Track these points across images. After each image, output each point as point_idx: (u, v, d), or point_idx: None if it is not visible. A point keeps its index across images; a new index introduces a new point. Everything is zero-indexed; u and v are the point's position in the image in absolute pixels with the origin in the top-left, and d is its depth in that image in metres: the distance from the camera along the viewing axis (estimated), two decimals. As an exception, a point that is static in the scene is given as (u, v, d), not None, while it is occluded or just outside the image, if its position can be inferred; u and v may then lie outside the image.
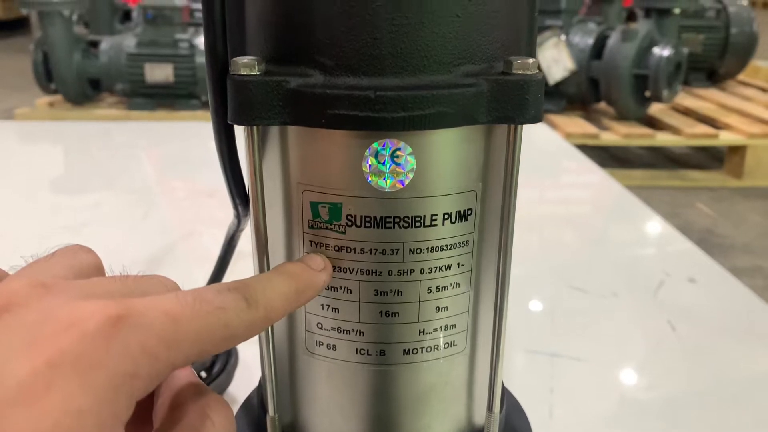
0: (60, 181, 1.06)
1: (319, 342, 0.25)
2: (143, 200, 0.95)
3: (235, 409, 0.35)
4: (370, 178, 0.22)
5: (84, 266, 0.21)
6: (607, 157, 2.40)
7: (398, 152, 0.22)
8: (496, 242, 0.25)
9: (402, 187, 0.22)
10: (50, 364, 0.15)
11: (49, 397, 0.15)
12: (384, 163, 0.22)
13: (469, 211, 0.24)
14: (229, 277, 0.37)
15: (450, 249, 0.24)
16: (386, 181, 0.22)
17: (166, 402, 0.21)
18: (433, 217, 0.23)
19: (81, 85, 2.05)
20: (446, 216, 0.23)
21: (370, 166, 0.22)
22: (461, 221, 0.24)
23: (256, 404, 0.33)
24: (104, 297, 0.18)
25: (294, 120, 0.22)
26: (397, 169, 0.22)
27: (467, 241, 0.24)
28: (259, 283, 0.21)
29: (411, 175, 0.22)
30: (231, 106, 0.22)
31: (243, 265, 0.36)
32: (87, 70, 2.04)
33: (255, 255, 0.25)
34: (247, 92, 0.21)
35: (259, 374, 0.36)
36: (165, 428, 0.20)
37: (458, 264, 0.24)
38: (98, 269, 0.22)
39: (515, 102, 0.22)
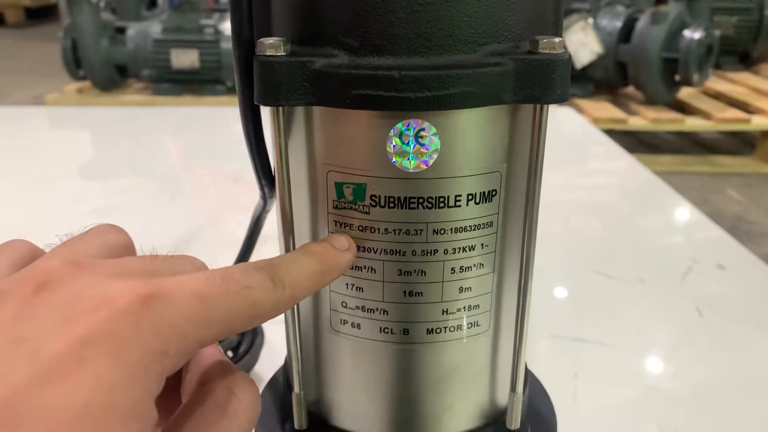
0: (88, 166, 1.08)
1: (344, 320, 0.26)
2: (169, 185, 0.96)
3: (261, 388, 0.36)
4: (394, 159, 0.22)
5: (115, 245, 0.22)
6: (635, 143, 2.36)
7: (422, 132, 0.22)
8: (521, 224, 0.25)
9: (426, 167, 0.23)
10: (84, 341, 0.16)
11: (82, 372, 0.16)
12: (408, 143, 0.22)
13: (494, 192, 0.24)
14: (254, 258, 0.38)
15: (474, 230, 0.24)
16: (410, 162, 0.22)
17: (194, 378, 0.22)
18: (457, 198, 0.23)
19: (108, 71, 2.08)
20: (470, 197, 0.23)
21: (394, 146, 0.22)
22: (485, 202, 0.24)
23: (281, 383, 0.33)
24: (135, 276, 0.18)
25: (319, 100, 0.22)
26: (421, 150, 0.22)
27: (491, 222, 0.24)
28: (285, 262, 0.22)
29: (435, 156, 0.22)
30: (257, 86, 0.22)
31: (268, 248, 0.36)
32: (114, 57, 2.07)
33: (281, 235, 0.25)
34: (273, 73, 0.22)
35: (284, 354, 0.36)
36: (193, 404, 0.20)
37: (482, 245, 0.25)
38: (129, 249, 0.23)
39: (541, 82, 0.22)
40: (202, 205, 0.90)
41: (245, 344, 0.48)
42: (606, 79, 2.33)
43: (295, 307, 0.26)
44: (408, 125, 0.22)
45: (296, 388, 0.27)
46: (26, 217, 0.83)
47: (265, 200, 0.30)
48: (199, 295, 0.18)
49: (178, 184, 0.98)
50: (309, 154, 0.24)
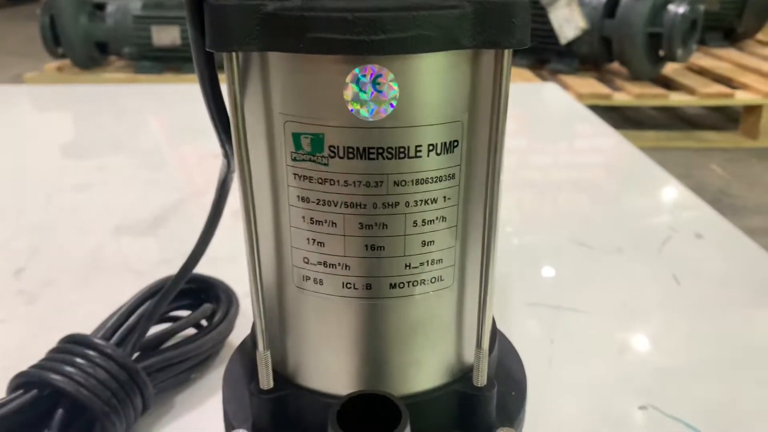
0: (69, 145, 1.06)
1: (306, 277, 0.25)
2: (151, 162, 0.95)
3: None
4: (351, 107, 0.22)
5: None
6: (620, 119, 2.37)
7: (380, 79, 0.21)
8: (484, 176, 0.25)
9: (384, 116, 0.22)
10: None
11: None
12: (365, 90, 0.22)
13: (455, 143, 0.23)
14: (222, 231, 0.37)
15: (436, 182, 0.24)
16: (368, 110, 0.22)
17: None
18: (418, 148, 0.23)
19: (88, 48, 2.04)
20: (431, 147, 0.23)
21: (351, 94, 0.22)
22: (447, 153, 0.23)
23: (249, 346, 0.33)
24: None
25: (272, 45, 0.21)
26: (380, 97, 0.22)
27: (453, 174, 0.24)
28: None
29: (394, 104, 0.22)
30: (209, 33, 0.22)
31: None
32: (94, 34, 2.03)
33: (240, 190, 0.25)
34: (224, 17, 0.21)
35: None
36: None
37: (444, 197, 0.24)
38: None
39: (501, 25, 0.21)
40: (184, 182, 0.89)
41: (220, 313, 0.47)
42: (591, 55, 2.32)
43: (257, 264, 0.25)
44: (365, 71, 0.21)
45: (260, 347, 0.27)
46: (5, 193, 0.82)
47: (229, 160, 0.29)
48: None
49: (160, 161, 0.97)
50: (265, 104, 0.23)
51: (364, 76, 0.21)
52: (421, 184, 0.23)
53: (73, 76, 2.09)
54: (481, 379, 0.28)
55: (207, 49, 0.22)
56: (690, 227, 0.73)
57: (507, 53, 0.22)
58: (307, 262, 0.25)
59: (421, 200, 0.24)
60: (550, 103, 1.32)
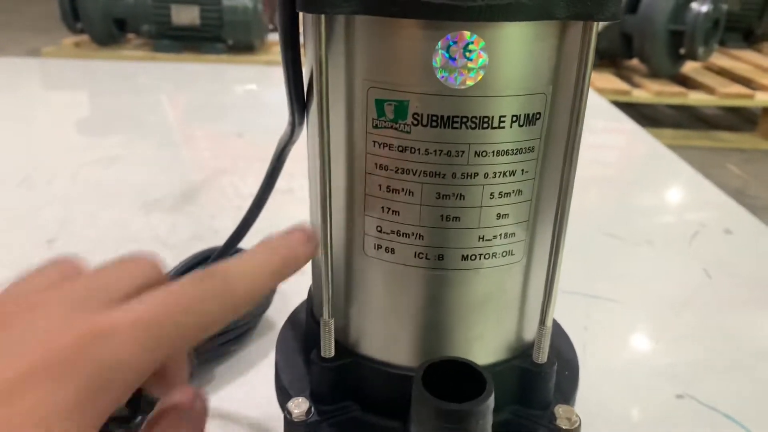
0: (87, 120, 1.06)
1: (378, 245, 0.25)
2: (172, 140, 0.95)
3: (274, 336, 0.35)
4: (440, 74, 0.22)
5: (69, 274, 0.22)
6: (637, 116, 2.34)
7: (471, 46, 0.21)
8: (562, 151, 0.24)
9: (472, 84, 0.22)
10: (23, 377, 0.17)
11: (24, 400, 0.17)
12: (456, 57, 0.21)
13: (538, 115, 0.23)
14: (276, 198, 0.37)
15: (516, 154, 0.24)
16: (456, 78, 0.22)
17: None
18: (501, 119, 0.23)
19: (107, 25, 2.03)
20: (515, 118, 0.23)
21: (441, 60, 0.22)
22: (529, 125, 0.23)
23: (302, 317, 0.33)
24: (83, 309, 0.19)
25: (365, 8, 0.21)
26: (469, 65, 0.22)
27: (533, 147, 0.24)
28: (239, 265, 0.22)
29: (482, 72, 0.22)
30: (301, -7, 0.22)
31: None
32: (113, 10, 2.02)
33: (316, 157, 0.25)
34: (319, -23, 0.21)
35: (295, 300, 0.36)
36: None
37: (522, 170, 0.24)
38: (78, 270, 0.22)
39: (595, -3, 0.21)
40: (206, 161, 0.89)
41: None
42: (610, 51, 2.30)
43: (328, 231, 0.25)
44: (456, 38, 0.21)
45: (325, 315, 0.27)
46: (30, 165, 0.82)
47: (293, 128, 0.29)
48: (144, 323, 0.19)
49: (180, 138, 0.97)
50: (348, 69, 0.23)
51: (456, 42, 0.21)
52: (502, 155, 0.23)
53: (91, 52, 2.09)
54: (542, 356, 0.28)
55: (297, 10, 0.22)
56: (718, 222, 0.73)
57: (595, 26, 0.22)
58: (380, 231, 0.25)
59: (500, 172, 0.24)
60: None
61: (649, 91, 2.14)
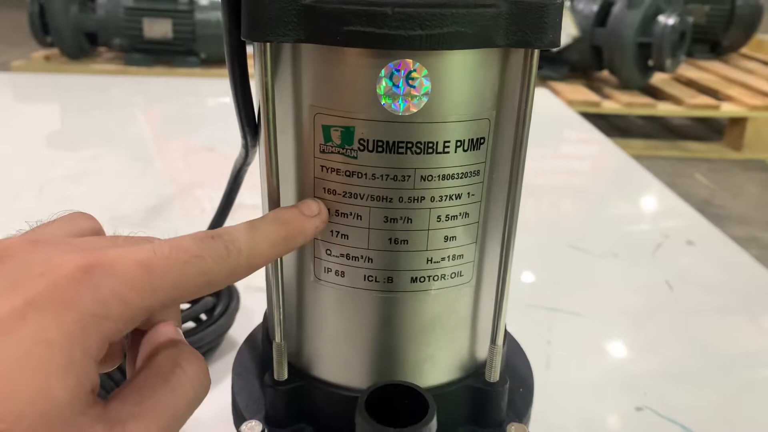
0: (57, 135, 1.05)
1: (328, 269, 0.25)
2: (142, 154, 0.94)
3: (236, 351, 0.35)
4: (383, 101, 0.22)
5: (84, 229, 0.23)
6: (607, 127, 2.39)
7: (413, 74, 0.22)
8: (507, 174, 0.25)
9: (415, 111, 0.22)
10: (27, 303, 0.17)
11: (23, 329, 0.17)
12: (399, 85, 0.22)
13: (482, 140, 0.24)
14: (243, 213, 0.37)
15: (461, 178, 0.24)
16: (400, 105, 0.22)
17: (145, 354, 0.22)
18: (446, 144, 0.23)
19: (78, 38, 2.01)
20: (459, 143, 0.23)
21: (384, 88, 0.22)
22: (474, 149, 0.24)
23: (259, 339, 0.33)
24: (87, 251, 0.19)
25: (308, 37, 0.21)
26: (412, 92, 0.22)
27: (478, 171, 0.24)
28: (244, 230, 0.22)
29: (425, 99, 0.22)
30: (245, 22, 0.22)
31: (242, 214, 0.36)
32: (84, 24, 2.00)
33: (264, 181, 0.25)
34: (262, 7, 0.21)
35: (258, 319, 0.36)
36: (137, 375, 0.21)
37: (468, 194, 0.24)
38: (96, 233, 0.23)
39: (534, 25, 0.22)
40: (176, 174, 0.88)
41: (220, 307, 0.47)
42: (581, 63, 2.34)
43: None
44: (399, 66, 0.22)
45: (277, 338, 0.27)
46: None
47: (247, 150, 0.29)
48: (144, 264, 0.19)
49: (152, 153, 0.96)
50: (296, 96, 0.23)
51: (398, 70, 0.22)
52: (447, 179, 0.24)
53: (61, 65, 2.06)
54: (494, 374, 0.28)
55: (242, 39, 0.22)
56: (681, 234, 0.74)
57: (536, 53, 0.23)
58: (329, 254, 0.25)
59: (447, 195, 0.24)
60: (542, 109, 1.33)
61: (620, 102, 2.18)
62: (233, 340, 0.49)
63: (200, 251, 0.20)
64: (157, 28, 1.95)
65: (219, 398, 0.31)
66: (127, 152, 0.95)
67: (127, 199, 0.75)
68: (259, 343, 0.33)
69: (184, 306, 0.46)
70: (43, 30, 2.02)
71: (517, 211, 0.25)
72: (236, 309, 0.49)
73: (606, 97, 2.24)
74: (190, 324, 0.46)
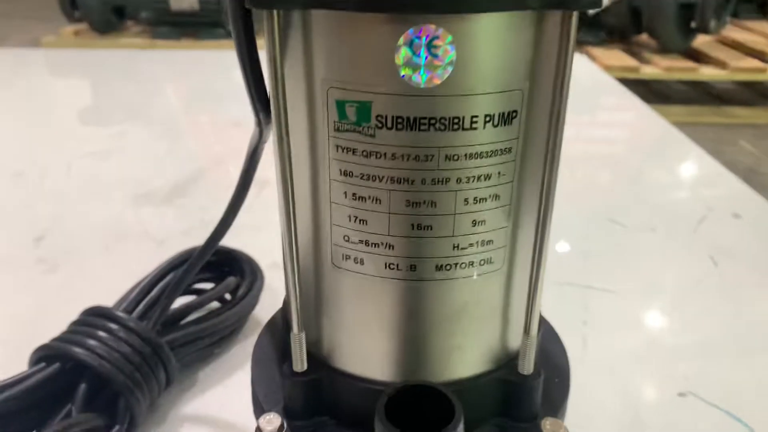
0: (87, 110, 1.05)
1: (346, 256, 0.24)
2: (170, 129, 0.93)
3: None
4: (403, 72, 0.20)
5: None
6: (647, 93, 2.30)
7: (436, 41, 0.19)
8: (542, 151, 0.23)
9: (439, 83, 0.20)
10: None
11: None
12: (419, 54, 0.20)
13: (514, 114, 0.21)
14: (251, 200, 0.36)
15: (491, 156, 0.22)
16: (421, 76, 0.20)
17: None
18: (474, 119, 0.21)
19: (106, 12, 2.02)
20: (488, 118, 0.21)
21: (403, 57, 0.20)
22: (504, 125, 0.21)
23: (280, 325, 0.32)
24: None
25: (319, 2, 0.19)
26: (434, 62, 0.20)
27: (510, 148, 0.22)
28: None
29: (450, 69, 0.20)
30: (248, -13, 0.20)
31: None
32: (112, -2, 2.00)
33: (277, 164, 0.23)
34: (266, -31, 0.19)
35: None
36: None
37: (499, 173, 0.22)
38: None
39: (572, -17, 0.19)
40: (202, 150, 0.87)
41: (244, 287, 0.46)
42: (619, 26, 2.25)
43: (294, 241, 0.24)
44: (420, 32, 0.19)
45: (295, 329, 0.25)
46: (26, 158, 0.81)
47: (261, 128, 0.28)
48: None
49: (179, 128, 0.95)
50: (306, 69, 0.21)
51: (419, 37, 0.19)
52: (475, 158, 0.21)
53: (90, 40, 2.07)
54: (527, 366, 0.26)
55: (246, 6, 0.20)
56: (726, 206, 0.70)
57: (574, 16, 0.20)
58: (347, 241, 0.23)
59: (474, 176, 0.22)
60: (578, 75, 1.28)
61: (659, 67, 2.10)
62: (258, 319, 0.48)
63: None
64: (184, 0, 1.93)
65: (244, 380, 0.31)
66: (154, 127, 0.94)
67: (153, 176, 0.75)
68: (280, 328, 0.32)
69: (207, 286, 0.45)
70: (72, 5, 2.02)
71: (554, 191, 0.23)
72: (261, 288, 0.48)
73: (645, 61, 2.15)
74: (216, 304, 0.46)
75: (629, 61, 2.10)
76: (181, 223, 0.64)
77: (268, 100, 0.25)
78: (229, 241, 0.44)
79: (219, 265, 0.47)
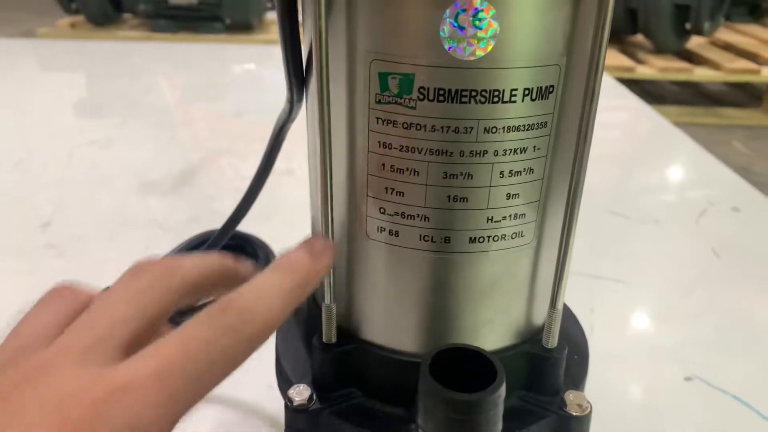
0: (83, 102, 1.05)
1: (381, 228, 0.24)
2: (169, 121, 0.93)
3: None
4: (447, 44, 0.20)
5: (69, 312, 0.21)
6: (641, 93, 2.32)
7: (481, 14, 0.20)
8: (576, 126, 0.23)
9: (482, 55, 0.21)
10: None
11: None
12: (465, 26, 0.20)
13: (551, 89, 0.22)
14: (275, 179, 0.36)
15: (527, 130, 0.22)
16: (465, 48, 0.20)
17: None
18: (513, 93, 0.21)
19: (103, 5, 2.00)
20: (527, 92, 0.22)
21: (449, 29, 0.20)
22: (542, 99, 0.22)
23: (305, 300, 0.32)
24: (91, 363, 0.18)
25: (367, -26, 0.20)
26: (479, 34, 0.20)
27: (545, 123, 0.22)
28: (251, 292, 0.20)
29: (493, 42, 0.20)
30: (297, -42, 0.20)
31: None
32: (108, -10, 1.99)
33: (315, 135, 0.23)
34: (317, -59, 0.19)
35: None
36: None
37: (534, 147, 0.23)
38: (85, 304, 0.21)
39: (614, -41, 0.20)
40: (203, 141, 0.87)
41: (260, 264, 0.46)
42: (614, 26, 2.26)
43: (329, 213, 0.24)
44: (466, 5, 0.20)
45: (327, 300, 0.26)
46: (26, 147, 0.80)
47: (292, 105, 0.28)
48: (158, 377, 0.17)
49: (178, 120, 0.95)
50: (350, 42, 0.22)
51: (465, 10, 0.20)
52: (512, 131, 0.22)
53: (86, 32, 2.06)
54: (552, 340, 0.27)
55: (294, -22, 0.21)
56: (726, 200, 0.71)
57: (613, -8, 0.21)
58: (383, 213, 0.24)
59: (511, 149, 0.22)
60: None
61: (654, 68, 2.12)
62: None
63: (212, 335, 0.19)
64: (182, -6, 1.93)
65: (265, 356, 0.31)
66: (154, 119, 0.94)
67: (154, 166, 0.75)
68: (303, 304, 0.32)
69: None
70: (69, -4, 2.01)
71: (585, 167, 0.24)
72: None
73: (640, 62, 2.17)
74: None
75: (624, 60, 2.12)
76: (188, 212, 0.64)
77: (303, 77, 0.26)
78: (240, 226, 0.44)
79: (233, 248, 0.47)
